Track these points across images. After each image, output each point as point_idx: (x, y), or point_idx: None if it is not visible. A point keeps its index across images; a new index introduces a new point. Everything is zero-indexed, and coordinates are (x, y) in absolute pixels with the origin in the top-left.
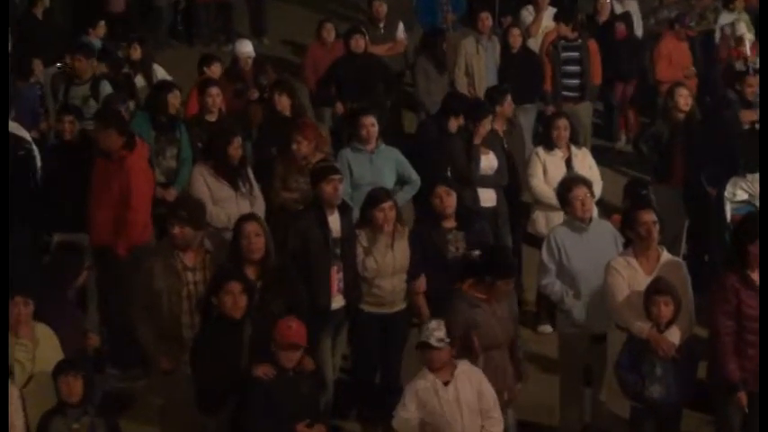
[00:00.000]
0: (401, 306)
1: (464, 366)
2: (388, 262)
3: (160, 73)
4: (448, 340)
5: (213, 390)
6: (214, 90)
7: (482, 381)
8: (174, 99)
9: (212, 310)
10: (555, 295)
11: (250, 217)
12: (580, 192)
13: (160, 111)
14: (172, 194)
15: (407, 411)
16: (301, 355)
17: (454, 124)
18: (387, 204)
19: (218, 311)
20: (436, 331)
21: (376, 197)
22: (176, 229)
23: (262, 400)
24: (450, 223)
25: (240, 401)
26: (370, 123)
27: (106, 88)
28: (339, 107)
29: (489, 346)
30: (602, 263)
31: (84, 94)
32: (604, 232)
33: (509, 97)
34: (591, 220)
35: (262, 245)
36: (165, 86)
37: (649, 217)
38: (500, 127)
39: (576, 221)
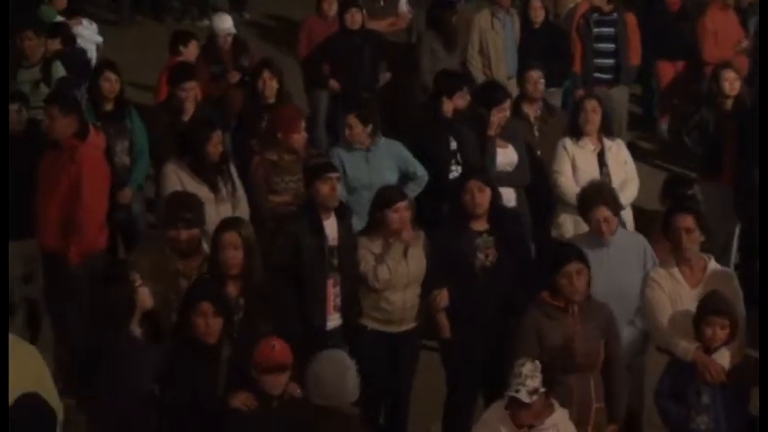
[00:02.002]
0: (412, 324)
1: (562, 415)
2: (402, 272)
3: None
4: (543, 390)
5: (183, 423)
6: (187, 84)
7: None
8: (108, 83)
9: (183, 331)
10: None
11: (230, 225)
12: (602, 212)
13: (99, 97)
14: (126, 196)
15: None
16: (287, 382)
17: (449, 106)
18: (402, 205)
19: (190, 334)
20: (529, 379)
21: (389, 197)
22: (184, 234)
23: None
24: (480, 225)
25: None
26: (354, 123)
27: (59, 70)
28: (333, 84)
29: (564, 368)
30: (625, 285)
31: (33, 77)
32: (629, 246)
33: (536, 75)
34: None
35: (239, 259)
36: (99, 69)
37: (684, 221)
38: (532, 113)
39: (599, 238)
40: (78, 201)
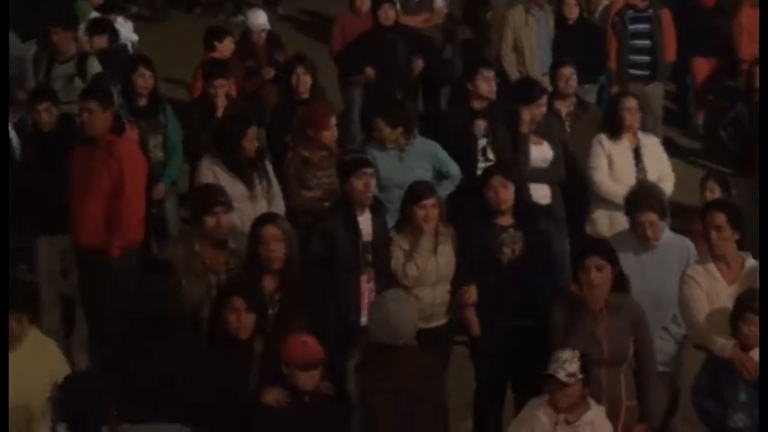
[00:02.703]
0: (442, 321)
1: (598, 412)
2: (431, 269)
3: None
4: (581, 376)
5: (215, 418)
6: (218, 81)
7: None
8: (142, 79)
9: (217, 326)
10: None
11: (269, 219)
12: (649, 217)
13: (133, 93)
14: (160, 191)
15: None
16: (319, 378)
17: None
18: (429, 201)
19: (223, 329)
20: (568, 363)
21: (417, 192)
22: (222, 219)
23: (273, 430)
24: (505, 221)
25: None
26: (382, 126)
27: (94, 66)
28: (369, 71)
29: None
30: (662, 290)
31: (67, 73)
32: (672, 250)
33: (568, 71)
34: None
35: (282, 252)
36: (133, 64)
37: (714, 219)
38: (564, 109)
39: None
40: (120, 195)
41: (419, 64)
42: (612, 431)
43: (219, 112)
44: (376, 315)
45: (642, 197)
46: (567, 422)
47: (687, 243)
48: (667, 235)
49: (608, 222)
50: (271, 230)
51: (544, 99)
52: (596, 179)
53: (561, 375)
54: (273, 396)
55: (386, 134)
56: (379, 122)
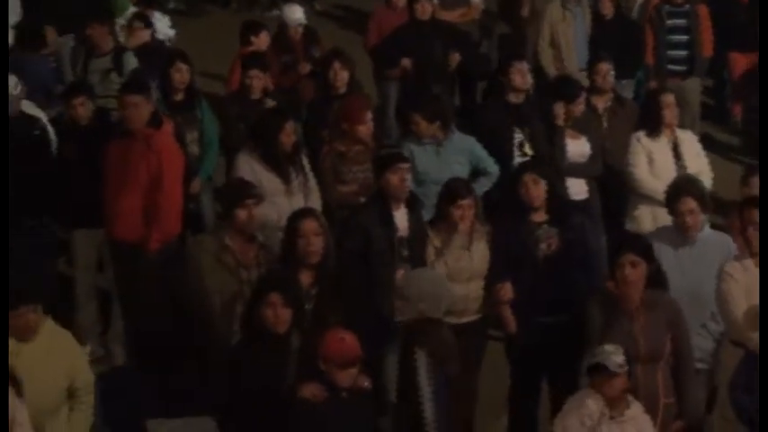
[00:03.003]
0: (473, 317)
1: (639, 409)
2: (464, 266)
3: None
4: (626, 368)
5: (252, 413)
6: (254, 72)
7: None
8: (179, 73)
9: (253, 321)
10: None
11: (308, 213)
12: (689, 204)
13: (169, 87)
14: (195, 186)
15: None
16: (357, 373)
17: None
18: (466, 202)
19: (260, 324)
20: (613, 355)
21: (455, 191)
22: (254, 212)
23: (310, 425)
24: (539, 217)
25: (284, 426)
26: (418, 120)
27: (131, 60)
28: (406, 62)
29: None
30: (701, 287)
31: (104, 67)
32: (712, 248)
33: (605, 67)
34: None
35: (320, 246)
36: (170, 59)
37: (751, 215)
38: (602, 104)
39: (682, 234)
40: (159, 188)
41: (455, 58)
42: (652, 427)
43: (256, 96)
44: (416, 289)
45: (681, 186)
46: (611, 417)
47: (727, 240)
48: (707, 232)
49: (651, 218)
50: (310, 224)
51: (582, 97)
52: (637, 177)
53: (611, 364)
54: (311, 390)
55: (423, 128)
56: (416, 117)
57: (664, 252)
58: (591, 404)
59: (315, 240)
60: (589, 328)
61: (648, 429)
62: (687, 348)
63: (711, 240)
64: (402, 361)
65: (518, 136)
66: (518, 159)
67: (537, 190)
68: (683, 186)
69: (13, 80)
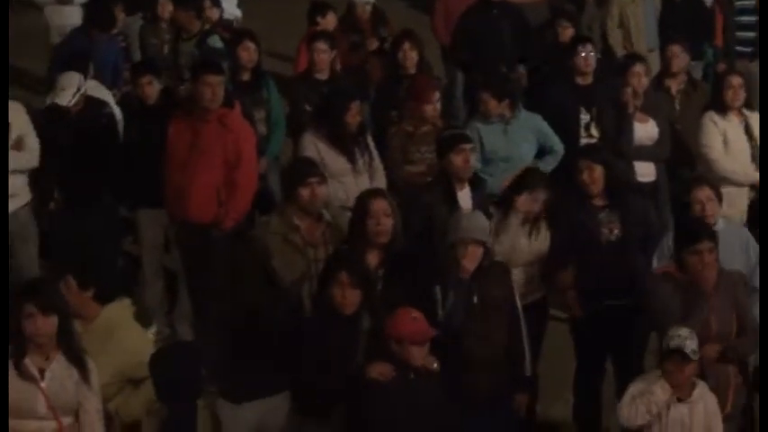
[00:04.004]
0: (529, 299)
1: (704, 389)
2: (522, 248)
3: None
4: (699, 355)
5: (319, 391)
6: (321, 45)
7: (716, 414)
8: (246, 52)
9: (323, 300)
10: None
11: (377, 193)
12: (705, 192)
13: (237, 66)
14: (262, 166)
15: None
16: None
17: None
18: (533, 196)
19: (329, 303)
20: (688, 341)
21: (526, 185)
22: (317, 190)
23: (378, 405)
24: (599, 201)
25: (352, 406)
26: (487, 98)
27: (216, 42)
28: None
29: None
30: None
31: (191, 49)
32: (732, 238)
33: (677, 49)
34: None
35: (390, 226)
36: (239, 37)
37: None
38: (675, 86)
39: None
40: (238, 166)
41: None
42: (717, 404)
43: (323, 76)
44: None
45: (700, 175)
46: (679, 399)
47: (745, 231)
48: (726, 224)
49: (726, 201)
50: (380, 204)
51: (638, 68)
52: (713, 158)
53: (688, 350)
54: (379, 370)
55: (491, 107)
56: (484, 95)
57: None
58: (658, 392)
59: (384, 220)
60: (662, 313)
61: (714, 407)
62: (747, 323)
63: (730, 232)
64: None
65: (584, 117)
66: (584, 141)
67: (592, 176)
68: (701, 175)
69: (76, 77)
